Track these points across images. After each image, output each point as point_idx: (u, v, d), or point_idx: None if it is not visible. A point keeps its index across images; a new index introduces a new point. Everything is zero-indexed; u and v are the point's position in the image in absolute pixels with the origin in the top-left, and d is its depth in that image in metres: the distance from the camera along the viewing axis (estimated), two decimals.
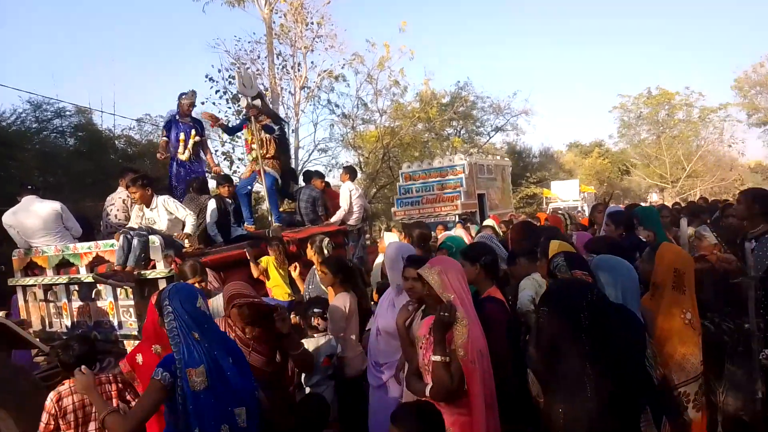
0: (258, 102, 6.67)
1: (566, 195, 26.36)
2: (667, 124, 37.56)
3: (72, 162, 13.55)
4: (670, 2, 71.33)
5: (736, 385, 3.10)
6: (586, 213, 19.20)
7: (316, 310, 3.80)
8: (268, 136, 6.81)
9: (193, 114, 7.04)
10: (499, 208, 16.01)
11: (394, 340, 3.14)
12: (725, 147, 37.86)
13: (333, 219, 7.51)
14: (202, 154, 7.08)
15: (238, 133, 10.23)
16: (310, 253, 4.91)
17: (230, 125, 8.44)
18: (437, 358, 2.45)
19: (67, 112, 15.05)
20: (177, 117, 6.79)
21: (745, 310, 3.05)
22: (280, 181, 7.08)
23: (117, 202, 5.88)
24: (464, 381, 2.42)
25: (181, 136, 6.76)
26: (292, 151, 19.49)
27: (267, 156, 6.92)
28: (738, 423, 3.06)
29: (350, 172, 8.12)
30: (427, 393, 2.51)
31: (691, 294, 2.85)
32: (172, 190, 6.79)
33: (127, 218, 5.52)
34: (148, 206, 4.91)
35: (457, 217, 13.22)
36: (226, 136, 16.61)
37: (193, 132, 6.77)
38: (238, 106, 16.07)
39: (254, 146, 6.80)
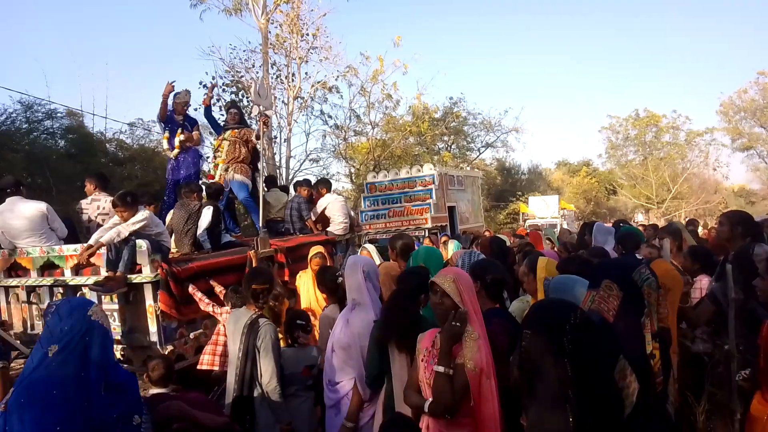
0: (271, 113, 6.71)
1: (544, 212, 25.01)
2: (654, 146, 38.20)
3: (61, 164, 13.46)
4: (662, 26, 72.76)
5: (715, 405, 3.13)
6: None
7: (298, 322, 3.79)
8: (254, 141, 6.89)
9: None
10: (470, 221, 15.26)
11: (350, 358, 3.00)
12: (710, 170, 38.67)
13: (330, 229, 7.55)
14: (200, 150, 7.18)
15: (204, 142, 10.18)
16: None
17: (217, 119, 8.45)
18: (440, 369, 2.32)
19: (59, 114, 15.01)
20: (173, 116, 6.90)
21: (724, 330, 3.09)
22: (251, 187, 7.12)
23: (113, 213, 5.78)
24: (468, 398, 2.30)
25: (166, 133, 6.94)
26: (284, 161, 19.54)
27: (238, 159, 6.99)
28: None
29: (325, 184, 8.10)
30: (426, 408, 2.38)
31: (673, 312, 2.85)
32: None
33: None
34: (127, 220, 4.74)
35: (426, 231, 12.40)
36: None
37: (179, 130, 6.84)
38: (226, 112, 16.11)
39: (218, 154, 7.11)
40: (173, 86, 6.79)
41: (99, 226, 5.23)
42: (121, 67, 48.85)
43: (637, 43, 76.51)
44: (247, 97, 17.07)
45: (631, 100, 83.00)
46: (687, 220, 12.66)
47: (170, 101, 6.90)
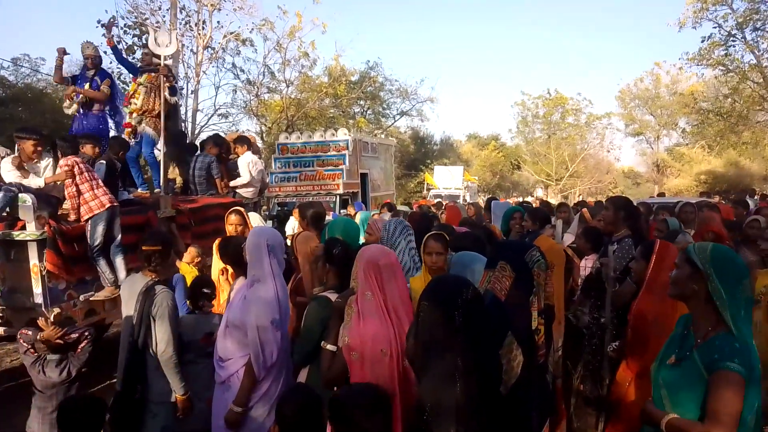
0: (170, 62, 6.16)
1: (448, 182, 24.83)
2: (559, 126, 40.38)
3: None
4: (575, 10, 76.17)
5: (589, 372, 3.47)
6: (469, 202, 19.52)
7: (205, 290, 3.64)
8: (167, 96, 6.39)
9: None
10: (381, 189, 15.34)
11: (244, 336, 2.82)
12: (604, 152, 41.67)
13: (233, 183, 7.29)
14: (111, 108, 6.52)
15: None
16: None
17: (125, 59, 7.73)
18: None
19: None
20: (85, 72, 6.25)
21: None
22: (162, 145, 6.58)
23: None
24: (346, 373, 2.32)
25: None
26: (190, 114, 18.51)
27: (153, 113, 6.51)
28: (588, 403, 3.43)
29: (245, 142, 7.75)
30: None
31: (559, 285, 3.06)
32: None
33: None
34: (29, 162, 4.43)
35: (338, 197, 12.40)
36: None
37: (86, 86, 6.16)
38: (133, 57, 14.81)
39: (134, 101, 6.48)
40: (64, 49, 6.13)
41: None
42: None
43: (555, 24, 79.83)
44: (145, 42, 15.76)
45: (544, 80, 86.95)
46: (595, 201, 13.32)
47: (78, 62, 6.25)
